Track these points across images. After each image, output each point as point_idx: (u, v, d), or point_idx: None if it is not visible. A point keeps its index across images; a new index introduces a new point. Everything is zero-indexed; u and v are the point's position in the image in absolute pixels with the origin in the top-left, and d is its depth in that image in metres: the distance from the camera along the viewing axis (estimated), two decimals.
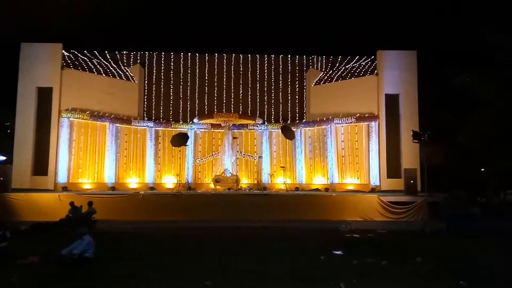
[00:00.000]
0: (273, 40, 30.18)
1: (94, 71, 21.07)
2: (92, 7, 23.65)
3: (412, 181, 17.37)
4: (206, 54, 23.86)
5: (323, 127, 21.35)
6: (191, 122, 22.44)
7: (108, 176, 20.49)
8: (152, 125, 22.00)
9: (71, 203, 14.46)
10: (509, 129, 18.61)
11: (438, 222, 14.97)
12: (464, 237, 13.27)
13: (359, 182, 20.38)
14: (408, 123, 19.61)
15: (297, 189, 20.33)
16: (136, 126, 21.68)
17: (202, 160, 22.52)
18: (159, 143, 22.21)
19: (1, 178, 16.24)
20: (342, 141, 20.99)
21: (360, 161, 20.53)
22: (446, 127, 21.89)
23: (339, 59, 23.47)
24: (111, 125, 20.72)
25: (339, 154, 20.92)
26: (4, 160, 23.21)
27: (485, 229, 14.59)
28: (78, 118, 19.80)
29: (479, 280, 7.61)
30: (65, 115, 19.38)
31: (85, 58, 21.54)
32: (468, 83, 20.75)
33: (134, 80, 22.49)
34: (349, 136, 20.91)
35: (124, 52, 23.18)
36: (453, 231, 14.23)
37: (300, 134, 21.99)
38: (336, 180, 20.65)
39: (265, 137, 22.39)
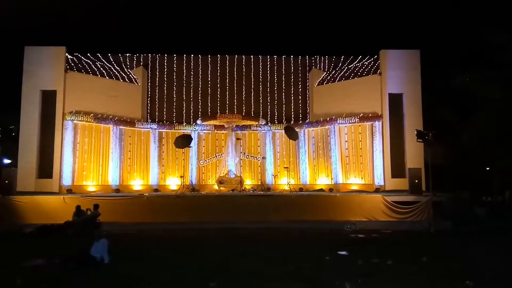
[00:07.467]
0: (276, 41, 30.32)
1: (98, 73, 21.12)
2: (94, 10, 23.74)
3: (416, 181, 17.26)
4: (209, 56, 23.84)
5: (327, 127, 21.30)
6: (194, 124, 22.43)
7: (112, 178, 20.54)
8: (156, 127, 22.02)
9: (77, 207, 14.51)
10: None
11: (443, 222, 14.95)
12: (469, 237, 13.25)
13: (363, 182, 20.32)
14: (412, 122, 19.49)
15: (301, 189, 20.26)
16: (139, 128, 21.72)
17: (205, 162, 22.53)
18: (163, 145, 22.24)
19: (6, 181, 16.30)
20: (346, 141, 20.94)
21: (364, 161, 20.47)
22: (450, 127, 21.83)
23: (342, 59, 23.36)
24: (115, 127, 20.77)
25: (343, 154, 20.88)
26: (8, 163, 23.32)
27: (490, 229, 14.58)
28: (82, 121, 19.85)
29: (484, 280, 7.57)
30: (69, 118, 19.43)
31: (89, 61, 21.58)
32: (470, 83, 20.70)
33: (137, 82, 22.53)
34: (352, 136, 20.84)
35: (127, 54, 23.19)
36: (458, 231, 14.21)
37: (304, 134, 21.94)
38: (340, 180, 20.60)
39: (269, 137, 22.35)
